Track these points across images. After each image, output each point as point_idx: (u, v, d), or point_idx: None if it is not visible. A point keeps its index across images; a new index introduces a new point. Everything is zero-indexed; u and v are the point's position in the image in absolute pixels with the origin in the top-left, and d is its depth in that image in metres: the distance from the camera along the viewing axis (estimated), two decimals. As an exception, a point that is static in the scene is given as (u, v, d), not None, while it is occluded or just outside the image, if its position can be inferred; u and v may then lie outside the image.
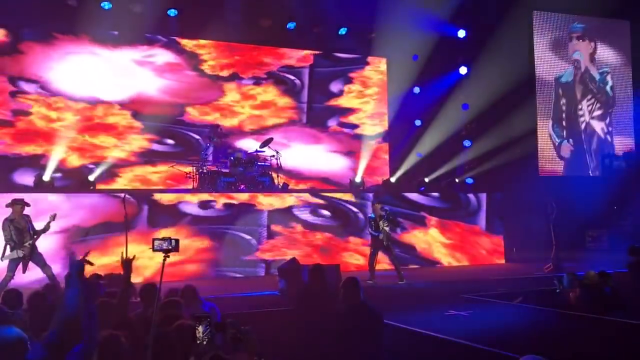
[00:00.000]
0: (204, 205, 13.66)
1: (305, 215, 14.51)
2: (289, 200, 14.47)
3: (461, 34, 18.41)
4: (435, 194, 16.07)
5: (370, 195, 15.22)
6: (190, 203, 13.54)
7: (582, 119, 19.84)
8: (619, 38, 20.44)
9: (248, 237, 13.85)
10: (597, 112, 20.01)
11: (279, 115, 17.89)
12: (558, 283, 9.77)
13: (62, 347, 2.54)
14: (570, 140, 19.64)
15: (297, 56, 18.23)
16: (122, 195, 11.50)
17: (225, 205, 13.79)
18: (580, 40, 19.88)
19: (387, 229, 12.46)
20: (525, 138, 18.52)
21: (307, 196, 14.83)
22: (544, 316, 8.96)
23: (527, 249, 16.73)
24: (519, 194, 17.06)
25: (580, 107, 19.83)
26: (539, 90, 19.48)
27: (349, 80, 18.85)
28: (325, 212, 14.71)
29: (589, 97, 19.94)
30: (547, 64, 19.65)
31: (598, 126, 19.97)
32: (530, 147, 19.01)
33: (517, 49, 17.74)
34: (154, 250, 4.44)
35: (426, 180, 17.79)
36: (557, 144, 19.60)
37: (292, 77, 18.20)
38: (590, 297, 8.78)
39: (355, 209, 14.95)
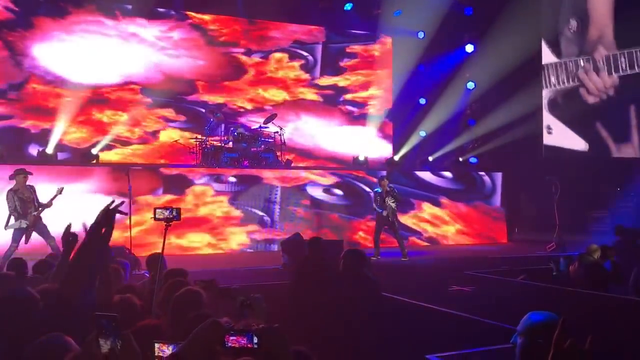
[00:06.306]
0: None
1: (318, 193, 14.52)
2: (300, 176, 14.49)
3: (468, 11, 18.21)
4: (448, 175, 16.09)
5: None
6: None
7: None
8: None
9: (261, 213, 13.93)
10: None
11: (289, 92, 17.84)
12: (554, 266, 9.39)
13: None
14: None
15: (305, 31, 18.10)
16: (127, 168, 11.50)
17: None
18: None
19: (393, 205, 12.48)
20: (530, 116, 18.38)
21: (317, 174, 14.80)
22: (546, 293, 8.98)
23: (531, 229, 16.73)
24: (523, 174, 17.00)
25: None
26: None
27: (355, 58, 18.72)
28: (338, 191, 14.71)
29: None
30: (555, 41, 19.38)
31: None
32: (536, 126, 18.85)
33: (524, 27, 17.48)
34: (156, 219, 4.47)
35: (430, 159, 17.74)
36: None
37: (305, 54, 18.15)
38: (589, 272, 8.71)
39: (367, 188, 14.86)
